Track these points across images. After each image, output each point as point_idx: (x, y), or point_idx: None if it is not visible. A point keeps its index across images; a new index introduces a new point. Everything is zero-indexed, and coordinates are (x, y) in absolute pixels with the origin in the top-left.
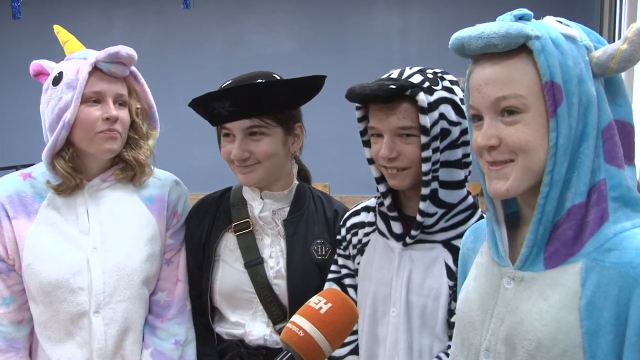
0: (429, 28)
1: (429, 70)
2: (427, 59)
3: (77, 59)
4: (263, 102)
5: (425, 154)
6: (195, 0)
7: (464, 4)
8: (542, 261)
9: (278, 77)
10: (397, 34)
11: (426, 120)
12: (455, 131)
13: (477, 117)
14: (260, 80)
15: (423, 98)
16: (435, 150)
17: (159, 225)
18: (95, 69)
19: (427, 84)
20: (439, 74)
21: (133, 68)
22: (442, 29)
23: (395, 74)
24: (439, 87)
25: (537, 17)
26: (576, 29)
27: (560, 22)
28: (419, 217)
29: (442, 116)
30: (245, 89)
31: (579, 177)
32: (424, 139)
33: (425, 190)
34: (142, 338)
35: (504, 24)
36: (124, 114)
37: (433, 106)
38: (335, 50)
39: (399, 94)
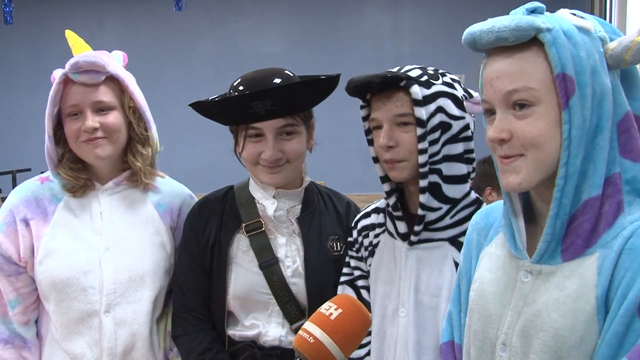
0: (420, 27)
1: (430, 68)
2: (419, 58)
3: (62, 68)
4: (299, 101)
5: (421, 145)
6: (187, 2)
7: (455, 3)
8: (559, 254)
9: (291, 74)
10: (388, 33)
11: (421, 112)
12: (456, 125)
13: (490, 112)
14: (289, 74)
15: (417, 90)
16: (432, 143)
17: (168, 233)
18: (70, 80)
19: (425, 77)
20: (440, 71)
21: (116, 73)
22: (434, 27)
23: (395, 69)
24: (439, 81)
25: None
26: (591, 21)
27: (575, 15)
28: (420, 211)
29: (440, 109)
30: (290, 88)
31: (595, 170)
32: (419, 131)
33: (423, 183)
34: (153, 343)
35: (514, 18)
36: (108, 118)
37: (429, 99)
38: (327, 50)
39: (393, 83)
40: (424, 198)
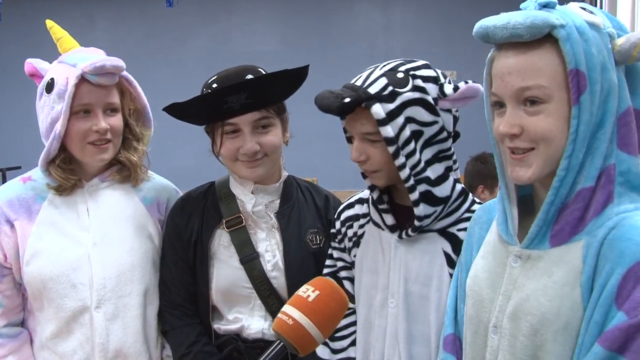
0: (412, 24)
1: (401, 68)
2: (411, 55)
3: (68, 64)
4: (272, 93)
5: (398, 162)
6: None
7: (447, 0)
8: (547, 240)
9: (263, 71)
10: (380, 30)
11: (387, 130)
12: (429, 130)
13: (499, 104)
14: (262, 71)
15: (378, 110)
16: (410, 155)
17: (156, 226)
18: (84, 79)
19: (389, 89)
20: (412, 72)
21: (124, 72)
22: (426, 24)
23: (362, 77)
24: (407, 88)
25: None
26: (600, 16)
27: (584, 9)
28: (417, 222)
29: (409, 120)
30: (262, 80)
31: (592, 162)
32: (391, 149)
33: (414, 196)
34: (147, 337)
35: (529, 14)
36: (114, 120)
37: (395, 113)
38: (319, 47)
39: (353, 106)
40: (419, 210)
